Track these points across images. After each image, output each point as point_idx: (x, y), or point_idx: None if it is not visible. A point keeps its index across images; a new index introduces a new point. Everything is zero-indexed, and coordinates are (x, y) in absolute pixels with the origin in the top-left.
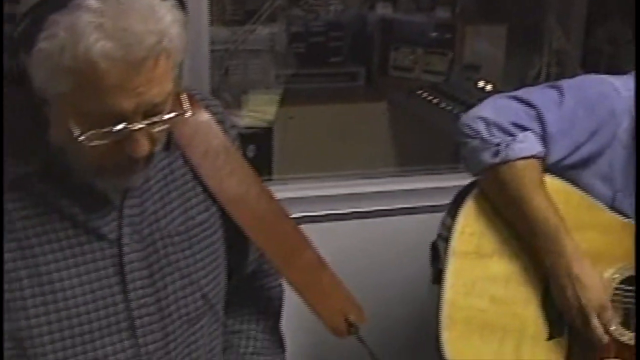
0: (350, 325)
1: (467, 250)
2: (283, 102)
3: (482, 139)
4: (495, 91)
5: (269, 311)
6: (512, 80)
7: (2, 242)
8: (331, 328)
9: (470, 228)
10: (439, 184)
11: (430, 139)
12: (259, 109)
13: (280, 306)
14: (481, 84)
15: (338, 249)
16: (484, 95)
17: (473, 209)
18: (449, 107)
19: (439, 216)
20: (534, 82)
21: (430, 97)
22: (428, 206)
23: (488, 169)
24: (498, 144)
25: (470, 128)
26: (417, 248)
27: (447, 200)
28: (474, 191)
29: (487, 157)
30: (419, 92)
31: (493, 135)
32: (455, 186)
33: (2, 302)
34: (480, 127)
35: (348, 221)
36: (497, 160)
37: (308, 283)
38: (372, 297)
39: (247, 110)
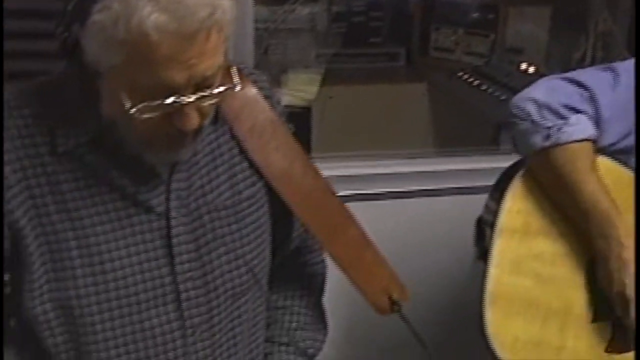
0: (393, 303)
1: (514, 228)
2: (322, 81)
3: (533, 122)
4: (538, 74)
5: (313, 287)
6: (556, 63)
7: (2, 240)
8: (374, 305)
9: (517, 206)
10: (478, 165)
11: (470, 121)
12: (300, 88)
13: (323, 282)
14: (524, 66)
15: (375, 228)
16: (526, 78)
17: (521, 188)
18: (490, 90)
19: (478, 197)
20: (579, 65)
21: (471, 80)
22: (467, 187)
23: (539, 152)
24: (549, 127)
25: (520, 110)
26: (457, 228)
27: (486, 181)
28: (522, 170)
29: (537, 140)
30: (460, 74)
31: (544, 118)
32: (494, 168)
33: (2, 302)
34: (531, 109)
35: (385, 201)
36: (547, 143)
37: (352, 260)
38: (413, 276)
39: (287, 89)
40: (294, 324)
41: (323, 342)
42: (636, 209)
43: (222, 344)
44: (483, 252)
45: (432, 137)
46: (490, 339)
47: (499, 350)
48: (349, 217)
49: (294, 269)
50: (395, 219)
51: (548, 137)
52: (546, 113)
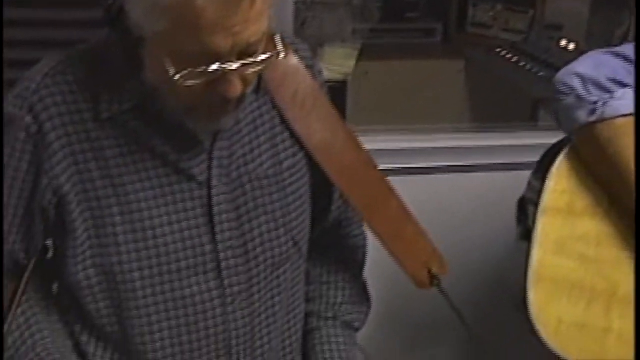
0: (432, 277)
1: (558, 208)
2: (359, 56)
3: (578, 96)
4: (578, 51)
5: (354, 260)
6: (597, 39)
7: (2, 243)
8: (414, 279)
9: (562, 186)
10: (516, 142)
11: (508, 98)
12: (336, 63)
13: (364, 255)
14: (563, 43)
15: (410, 203)
16: (566, 55)
17: (565, 167)
18: (528, 67)
19: (516, 174)
20: (622, 41)
21: (509, 56)
22: (505, 164)
23: (584, 128)
24: (595, 102)
25: (565, 85)
26: (494, 205)
27: (524, 158)
28: (566, 149)
29: (582, 116)
30: (498, 50)
31: (589, 93)
32: (532, 145)
33: (2, 301)
34: (576, 83)
35: (420, 176)
36: (593, 118)
37: (392, 232)
38: (449, 252)
39: (324, 63)
40: (339, 299)
41: (367, 315)
42: (637, 207)
43: (261, 313)
44: (526, 232)
45: (468, 113)
46: (534, 321)
47: (542, 332)
48: (390, 190)
49: (334, 241)
50: (431, 195)
51: (593, 112)
52: (591, 87)
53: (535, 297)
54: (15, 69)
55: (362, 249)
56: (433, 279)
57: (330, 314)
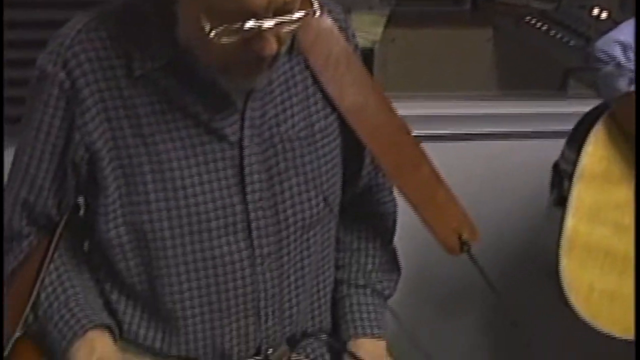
0: (463, 243)
1: (594, 175)
2: (386, 24)
3: (619, 64)
4: (610, 20)
5: (385, 227)
6: (631, 8)
7: (2, 243)
8: (444, 245)
9: (599, 152)
10: (545, 109)
11: (537, 67)
12: (363, 29)
13: (394, 222)
14: (595, 11)
15: (440, 170)
16: (598, 24)
17: (603, 134)
18: (559, 36)
19: (546, 142)
20: None
21: (539, 25)
22: (534, 132)
23: (624, 96)
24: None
25: (605, 53)
26: (523, 172)
27: (553, 126)
28: (604, 116)
29: (623, 84)
30: (527, 18)
31: (630, 60)
32: (562, 113)
33: (2, 302)
34: (617, 51)
35: (448, 142)
36: (634, 87)
37: (423, 198)
38: (479, 220)
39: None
40: (369, 266)
41: (397, 283)
42: (636, 207)
43: (290, 274)
44: (560, 198)
45: (496, 82)
46: (565, 288)
47: (573, 300)
48: (423, 155)
49: (365, 208)
50: (461, 162)
51: (634, 80)
52: (632, 55)
53: (567, 264)
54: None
55: (392, 216)
56: (463, 245)
57: (361, 282)
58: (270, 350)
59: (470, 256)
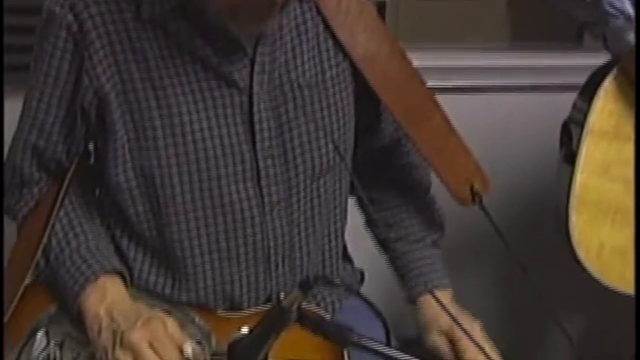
0: (474, 193)
1: (604, 130)
2: None
3: (628, 18)
4: None
5: (419, 177)
6: None
7: (2, 243)
8: (455, 195)
9: (608, 107)
10: (560, 62)
11: (552, 19)
12: None
13: (428, 172)
14: None
15: (452, 122)
16: None
17: (613, 89)
18: None
19: (562, 95)
20: None
21: None
22: (548, 85)
23: (633, 50)
24: None
25: (613, 7)
26: (537, 126)
27: (569, 79)
28: (614, 71)
29: (632, 37)
30: None
31: None
32: (578, 66)
33: (2, 304)
34: (626, 4)
35: (460, 95)
36: None
37: (436, 147)
38: (493, 171)
39: None
40: (417, 219)
41: (444, 231)
42: (636, 207)
43: (300, 223)
44: (570, 154)
45: (510, 34)
46: (575, 245)
47: (583, 257)
48: (435, 104)
49: (396, 160)
50: (473, 114)
51: None
52: None
53: (577, 220)
54: None
55: (423, 165)
56: (475, 196)
57: (417, 236)
58: (282, 295)
59: (482, 207)
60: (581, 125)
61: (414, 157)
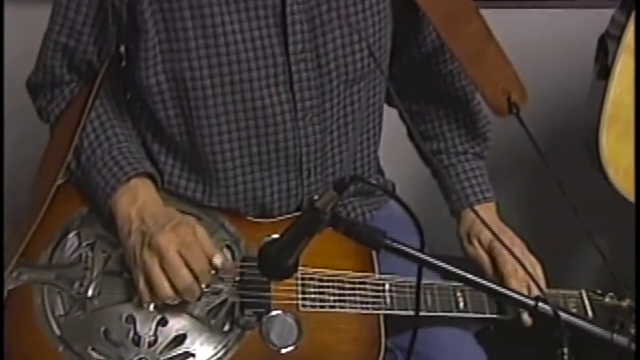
0: (511, 104)
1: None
2: None
3: None
4: None
5: (461, 85)
6: None
7: (1, 242)
8: (492, 105)
9: None
10: None
11: None
12: None
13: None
14: None
15: None
16: None
17: None
18: None
19: (600, 11)
20: None
21: None
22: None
23: None
24: None
25: None
26: (576, 41)
27: None
28: None
29: None
30: None
31: None
32: None
33: (1, 303)
34: None
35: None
36: None
37: (474, 54)
38: (529, 85)
39: None
40: (461, 130)
41: (488, 139)
42: (637, 210)
43: (333, 130)
44: (604, 69)
45: None
46: (604, 163)
47: (612, 175)
48: (474, 9)
49: (437, 68)
50: (512, 29)
51: None
52: None
53: (607, 137)
54: None
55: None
56: (512, 106)
57: (459, 148)
58: (316, 196)
59: (518, 118)
60: (618, 40)
61: (456, 65)
